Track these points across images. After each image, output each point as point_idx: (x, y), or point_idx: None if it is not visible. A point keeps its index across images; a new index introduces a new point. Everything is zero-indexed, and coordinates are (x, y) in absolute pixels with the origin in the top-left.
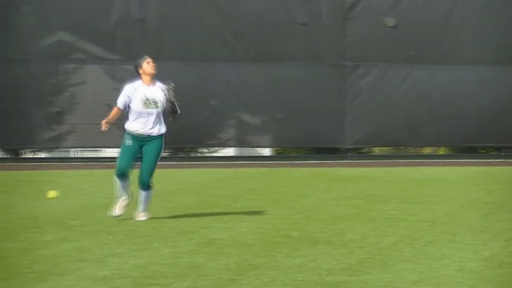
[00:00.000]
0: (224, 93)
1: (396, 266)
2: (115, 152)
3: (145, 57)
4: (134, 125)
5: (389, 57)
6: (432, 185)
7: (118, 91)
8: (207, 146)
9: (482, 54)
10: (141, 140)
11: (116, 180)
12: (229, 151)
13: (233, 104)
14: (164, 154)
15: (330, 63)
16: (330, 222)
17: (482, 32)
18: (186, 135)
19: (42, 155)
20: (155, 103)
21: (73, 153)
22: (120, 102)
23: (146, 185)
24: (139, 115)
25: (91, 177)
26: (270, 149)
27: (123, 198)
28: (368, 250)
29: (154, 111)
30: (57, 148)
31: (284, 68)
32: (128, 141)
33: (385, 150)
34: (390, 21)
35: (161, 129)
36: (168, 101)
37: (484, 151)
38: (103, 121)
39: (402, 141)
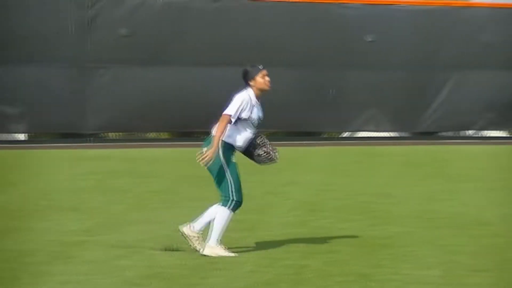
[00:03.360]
0: None
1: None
2: None
3: (260, 67)
4: (240, 143)
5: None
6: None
7: None
8: None
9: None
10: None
11: (230, 215)
12: None
13: None
14: None
15: None
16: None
17: None
18: None
19: None
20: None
21: None
22: (234, 111)
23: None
24: (246, 132)
25: None
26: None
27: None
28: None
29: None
30: None
31: None
32: (234, 158)
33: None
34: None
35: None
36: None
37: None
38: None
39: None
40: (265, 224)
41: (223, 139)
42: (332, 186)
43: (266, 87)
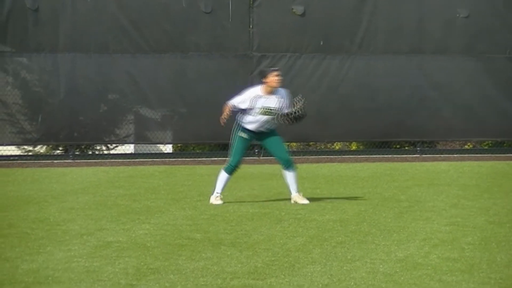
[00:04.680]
0: (124, 86)
1: (305, 269)
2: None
3: (274, 68)
4: (250, 125)
5: (298, 47)
6: (343, 182)
7: (9, 84)
8: (105, 143)
9: (396, 43)
10: (257, 135)
11: (225, 175)
12: (128, 148)
13: (132, 98)
14: (58, 151)
15: (236, 54)
16: (235, 222)
17: (396, 19)
18: (82, 131)
19: None
20: (270, 111)
21: None
22: (237, 102)
23: (291, 162)
24: (255, 119)
25: None
26: (172, 145)
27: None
28: (275, 252)
29: (269, 117)
30: None
31: (187, 60)
32: (244, 135)
33: (294, 145)
34: (298, 9)
35: (272, 125)
36: (290, 110)
37: (398, 146)
38: (222, 117)
39: (311, 136)
40: (489, 263)
41: (239, 122)
42: None
43: (275, 84)
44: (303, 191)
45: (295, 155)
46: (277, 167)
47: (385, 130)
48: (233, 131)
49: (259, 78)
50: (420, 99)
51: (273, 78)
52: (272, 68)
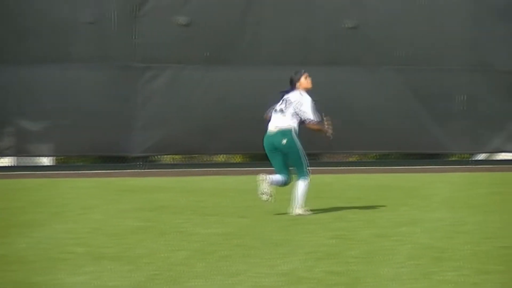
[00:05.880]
0: (2, 97)
1: (188, 283)
2: None
3: (303, 71)
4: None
5: (183, 58)
6: (227, 195)
7: None
8: None
9: (283, 55)
10: None
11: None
12: (7, 161)
13: (12, 109)
14: None
15: (120, 65)
16: (117, 236)
17: (282, 31)
18: None
19: None
20: None
21: None
22: (314, 112)
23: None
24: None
25: None
26: (53, 158)
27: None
28: (158, 266)
29: None
30: None
31: (69, 71)
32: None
33: (178, 158)
34: (183, 20)
35: None
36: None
37: None
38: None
39: (196, 148)
40: (374, 277)
41: (296, 131)
42: (464, 226)
43: (310, 85)
44: (187, 204)
45: (179, 168)
46: (162, 179)
47: None
48: (295, 140)
49: (291, 84)
50: None
51: (305, 81)
52: (299, 71)
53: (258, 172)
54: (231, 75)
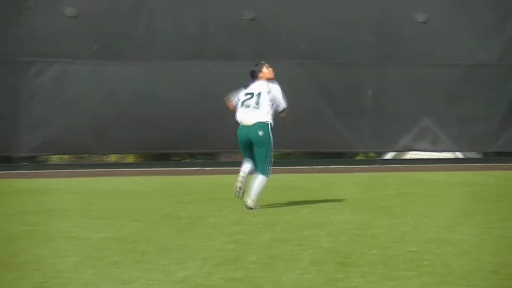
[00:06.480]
0: None
1: None
2: None
3: (263, 62)
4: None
5: (71, 52)
6: (119, 197)
7: None
8: None
9: (177, 48)
10: None
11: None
12: None
13: None
14: None
15: (4, 59)
16: (1, 241)
17: (176, 23)
18: None
19: None
20: None
21: None
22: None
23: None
24: None
25: None
26: None
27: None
28: (44, 273)
29: None
30: None
31: None
32: None
33: (66, 158)
34: (70, 11)
35: None
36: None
37: (179, 158)
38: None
39: (85, 148)
40: (274, 284)
41: (271, 124)
42: (370, 229)
43: (271, 76)
44: (76, 207)
45: (68, 168)
46: (49, 180)
47: (164, 141)
48: (270, 135)
49: (253, 76)
50: (203, 107)
51: (267, 70)
52: (258, 62)
53: (151, 173)
54: (122, 70)
